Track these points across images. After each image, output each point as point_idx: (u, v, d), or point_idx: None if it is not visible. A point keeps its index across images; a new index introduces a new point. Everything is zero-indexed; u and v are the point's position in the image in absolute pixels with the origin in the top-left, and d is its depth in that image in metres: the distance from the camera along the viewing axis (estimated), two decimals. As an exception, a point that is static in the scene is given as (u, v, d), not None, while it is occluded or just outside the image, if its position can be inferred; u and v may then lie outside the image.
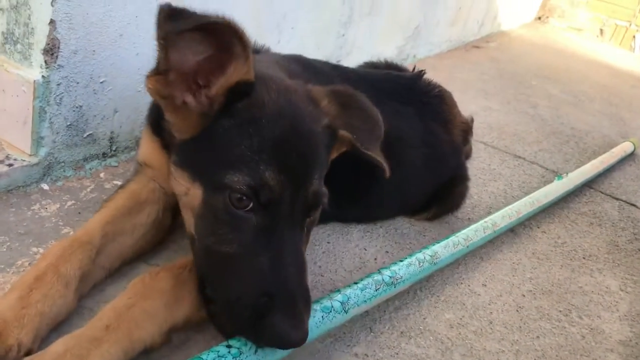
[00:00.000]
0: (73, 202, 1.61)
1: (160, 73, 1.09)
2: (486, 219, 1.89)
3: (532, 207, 2.11)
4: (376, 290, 1.38)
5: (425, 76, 2.13)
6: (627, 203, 2.67)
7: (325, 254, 1.71)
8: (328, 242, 1.77)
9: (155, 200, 1.42)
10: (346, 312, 1.29)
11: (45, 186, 1.63)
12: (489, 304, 1.67)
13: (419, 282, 1.67)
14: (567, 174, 2.49)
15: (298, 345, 1.04)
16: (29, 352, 1.05)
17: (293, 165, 1.09)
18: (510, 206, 2.04)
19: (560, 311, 1.73)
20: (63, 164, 1.68)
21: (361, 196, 1.79)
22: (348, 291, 1.33)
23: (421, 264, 1.53)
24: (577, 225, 2.33)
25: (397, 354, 1.39)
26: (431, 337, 1.47)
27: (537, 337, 1.59)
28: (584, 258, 2.08)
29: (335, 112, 1.24)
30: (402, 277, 1.46)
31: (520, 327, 1.61)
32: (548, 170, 2.80)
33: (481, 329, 1.56)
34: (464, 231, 1.77)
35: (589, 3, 8.17)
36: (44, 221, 1.50)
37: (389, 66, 2.35)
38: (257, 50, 1.59)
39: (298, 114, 1.16)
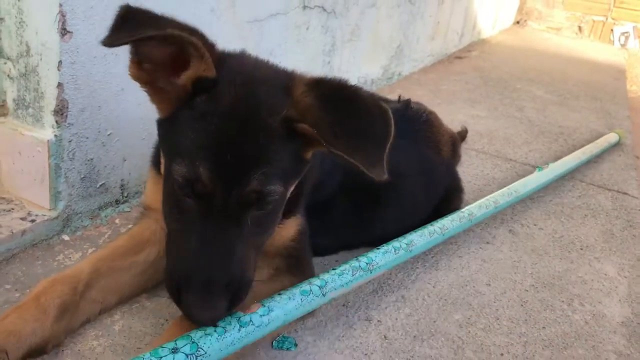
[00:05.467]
0: (93, 249, 1.71)
1: (137, 62, 1.18)
2: (463, 210, 2.00)
3: (509, 197, 2.21)
4: (353, 275, 1.48)
5: (408, 93, 2.25)
6: (619, 192, 2.77)
7: (335, 271, 1.81)
8: (336, 260, 1.86)
9: (155, 242, 1.51)
10: (324, 295, 1.40)
11: (66, 237, 1.74)
12: (495, 302, 1.76)
13: (425, 288, 1.77)
14: (547, 164, 2.61)
15: (207, 323, 1.16)
16: None
17: (229, 165, 1.11)
18: (487, 197, 2.14)
19: (562, 301, 1.82)
20: (80, 214, 1.79)
21: (365, 225, 1.89)
22: (326, 276, 1.43)
23: (397, 251, 1.65)
24: (573, 218, 2.43)
25: (412, 357, 1.48)
26: (442, 338, 1.56)
27: (543, 327, 1.68)
28: (581, 249, 2.18)
29: (308, 104, 1.14)
30: (378, 263, 1.57)
31: (526, 320, 1.70)
32: (540, 169, 2.90)
33: (489, 326, 1.65)
34: (440, 220, 1.88)
35: (565, 2, 8.38)
36: (70, 270, 1.61)
37: None
38: None
39: (252, 108, 1.16)
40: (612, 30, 7.99)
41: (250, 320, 1.23)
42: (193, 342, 1.14)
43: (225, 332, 1.18)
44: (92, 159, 1.76)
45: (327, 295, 1.42)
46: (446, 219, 1.91)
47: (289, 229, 1.50)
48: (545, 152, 3.21)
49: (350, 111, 1.14)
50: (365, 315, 1.61)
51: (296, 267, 1.49)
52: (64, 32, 1.54)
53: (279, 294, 1.34)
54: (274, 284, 1.43)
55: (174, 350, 1.12)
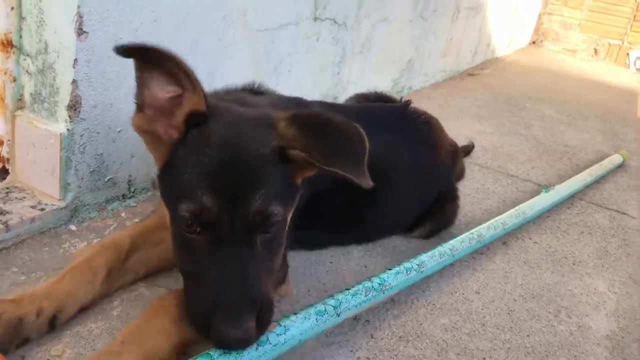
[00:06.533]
0: (98, 239, 1.79)
1: (141, 111, 1.29)
2: (472, 231, 2.04)
3: (517, 218, 2.26)
4: (366, 295, 1.53)
5: (416, 105, 2.31)
6: (618, 212, 2.81)
7: (329, 272, 1.87)
8: (331, 262, 1.93)
9: None
10: (338, 315, 1.45)
11: (73, 227, 1.82)
12: (482, 309, 1.81)
13: (415, 292, 1.83)
14: (554, 186, 2.65)
15: (239, 343, 1.19)
16: (52, 321, 1.36)
17: (230, 189, 1.20)
18: (496, 218, 2.19)
19: (549, 312, 1.86)
20: (88, 206, 1.87)
21: (357, 220, 1.96)
22: (340, 296, 1.48)
23: (409, 272, 1.69)
24: (569, 234, 2.47)
25: (396, 356, 1.54)
26: (427, 340, 1.62)
27: (528, 335, 1.72)
28: (573, 264, 2.22)
29: (292, 134, 1.27)
30: (390, 284, 1.62)
31: (511, 327, 1.75)
32: (541, 187, 2.94)
33: (474, 331, 1.70)
34: (450, 242, 1.92)
35: (582, 24, 8.39)
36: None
37: (379, 97, 2.54)
38: (258, 92, 1.76)
39: (243, 140, 1.27)
40: (627, 54, 8.00)
41: (268, 339, 1.28)
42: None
43: (242, 350, 1.23)
44: (101, 154, 1.85)
45: (342, 315, 1.47)
46: (456, 240, 1.95)
47: None
48: (548, 169, 3.25)
49: (330, 134, 1.28)
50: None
51: None
52: (80, 32, 1.63)
53: (295, 314, 1.39)
54: None
55: None
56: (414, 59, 4.23)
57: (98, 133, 1.81)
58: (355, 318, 1.65)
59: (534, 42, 8.47)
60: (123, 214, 1.96)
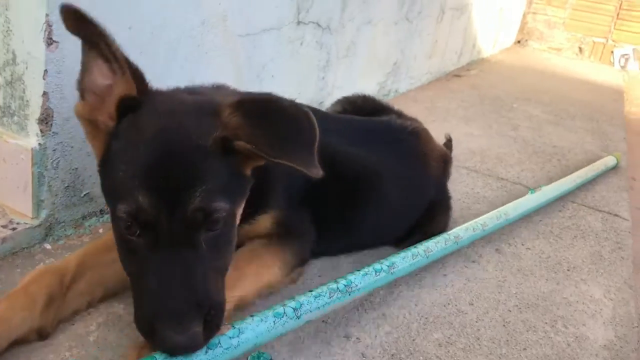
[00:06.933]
0: (75, 258, 1.70)
1: (83, 97, 1.23)
2: (449, 232, 1.98)
3: (498, 220, 2.19)
4: (330, 297, 1.46)
5: (402, 108, 2.28)
6: (610, 214, 2.76)
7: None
8: (319, 276, 1.85)
9: None
10: (299, 317, 1.38)
11: (48, 246, 1.73)
12: (476, 322, 1.75)
13: (407, 306, 1.76)
14: (540, 187, 2.60)
15: (184, 349, 1.13)
16: None
17: (167, 187, 1.12)
18: (476, 219, 2.12)
19: (546, 323, 1.80)
20: (64, 223, 1.78)
21: (344, 229, 1.90)
22: (302, 298, 1.41)
23: (378, 273, 1.62)
24: (562, 239, 2.42)
25: (389, 375, 1.47)
26: (421, 357, 1.55)
27: (524, 348, 1.66)
28: (568, 270, 2.17)
29: (237, 123, 1.18)
30: (357, 285, 1.55)
31: (507, 340, 1.69)
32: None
33: (469, 346, 1.63)
34: (424, 243, 1.86)
35: (566, 23, 8.42)
36: (49, 279, 1.60)
37: (365, 100, 2.48)
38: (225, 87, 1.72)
39: (181, 131, 1.19)
40: (612, 52, 8.02)
41: (219, 343, 1.21)
42: None
43: (190, 355, 1.16)
44: (76, 169, 1.76)
45: (302, 317, 1.40)
46: (431, 241, 1.89)
47: (261, 224, 1.53)
48: (538, 172, 3.21)
49: (278, 122, 1.19)
50: (344, 332, 1.60)
51: (281, 237, 1.56)
52: (50, 41, 1.55)
53: (251, 316, 1.32)
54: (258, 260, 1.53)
55: None
56: (400, 61, 4.18)
57: (72, 147, 1.72)
58: (346, 336, 1.58)
59: (519, 42, 8.48)
60: (101, 231, 1.87)
